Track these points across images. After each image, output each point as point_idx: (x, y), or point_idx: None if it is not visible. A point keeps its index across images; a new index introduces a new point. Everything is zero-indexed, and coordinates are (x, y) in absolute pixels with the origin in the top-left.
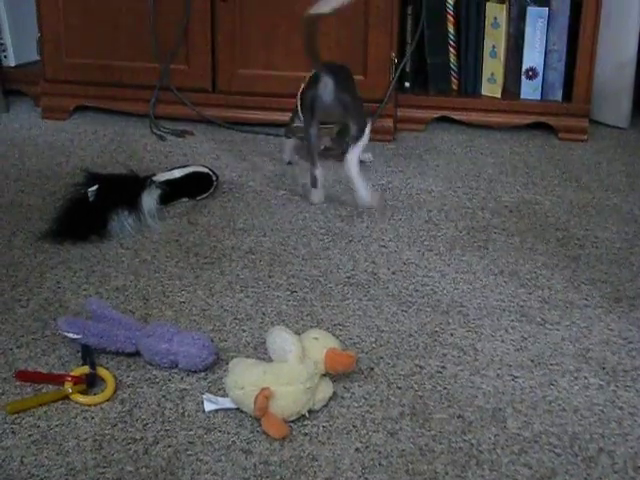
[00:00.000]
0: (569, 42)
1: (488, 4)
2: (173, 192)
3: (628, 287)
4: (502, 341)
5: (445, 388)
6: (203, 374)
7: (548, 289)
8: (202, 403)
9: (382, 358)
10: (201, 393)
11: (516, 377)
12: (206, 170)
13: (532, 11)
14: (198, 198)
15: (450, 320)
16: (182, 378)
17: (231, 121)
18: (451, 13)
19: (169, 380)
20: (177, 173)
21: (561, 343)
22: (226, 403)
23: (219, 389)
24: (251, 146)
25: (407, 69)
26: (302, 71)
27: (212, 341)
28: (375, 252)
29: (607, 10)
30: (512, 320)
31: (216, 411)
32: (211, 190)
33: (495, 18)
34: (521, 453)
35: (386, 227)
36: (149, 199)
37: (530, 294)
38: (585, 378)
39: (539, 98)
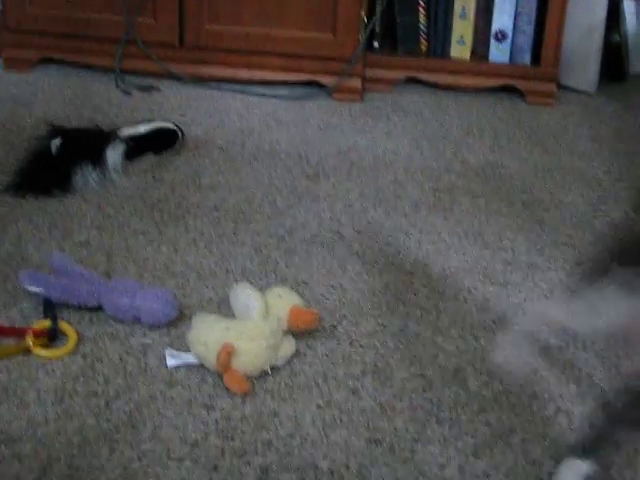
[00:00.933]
0: (539, 5)
1: None
2: (138, 147)
3: (590, 250)
4: (465, 302)
5: (407, 347)
6: (166, 329)
7: (512, 251)
8: (164, 358)
9: (345, 316)
10: (163, 348)
11: (478, 337)
12: (171, 126)
13: None
14: (163, 154)
15: (414, 280)
16: (144, 333)
17: (198, 77)
18: None
19: (131, 335)
20: (142, 128)
21: (523, 304)
22: (188, 358)
23: (182, 345)
24: (218, 103)
25: (376, 29)
26: (271, 28)
27: (175, 297)
28: (340, 211)
29: None
30: (475, 281)
31: (178, 366)
32: (176, 146)
33: None
34: (480, 412)
35: (352, 187)
36: (113, 154)
37: (494, 256)
38: (546, 339)
39: (508, 61)
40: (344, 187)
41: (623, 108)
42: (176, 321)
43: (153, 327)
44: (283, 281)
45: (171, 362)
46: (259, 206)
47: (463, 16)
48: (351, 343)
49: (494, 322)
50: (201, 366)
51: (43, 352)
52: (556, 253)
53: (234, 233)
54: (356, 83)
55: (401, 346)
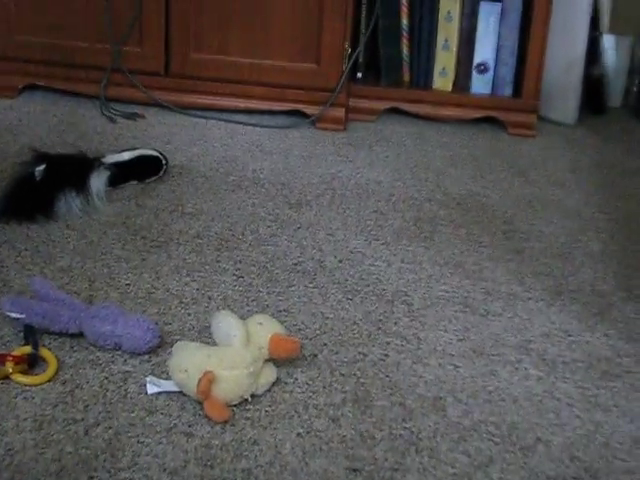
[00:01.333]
0: (520, 38)
1: None
2: (122, 174)
3: (570, 281)
4: (445, 331)
5: (387, 376)
6: (147, 357)
7: (492, 281)
8: (145, 385)
9: (326, 345)
10: (144, 376)
11: (458, 366)
12: (156, 153)
13: (485, 6)
14: (147, 181)
15: (394, 309)
16: (125, 360)
17: (183, 105)
18: (405, 5)
19: (112, 362)
20: (126, 155)
21: (503, 334)
22: (169, 386)
23: (162, 372)
24: (202, 131)
25: (360, 60)
26: (256, 57)
27: (157, 324)
28: (322, 240)
29: (557, 9)
30: (455, 310)
31: (159, 394)
32: (160, 173)
33: (449, 12)
34: (460, 441)
35: (334, 216)
36: (97, 180)
37: (474, 285)
38: (525, 369)
39: (489, 93)
40: (326, 216)
41: (602, 140)
42: (157, 348)
43: (134, 354)
44: (264, 309)
45: (152, 389)
46: (241, 234)
47: (446, 48)
48: (332, 372)
49: (473, 351)
50: (181, 393)
51: (22, 379)
52: (536, 283)
53: (216, 261)
54: (339, 113)
55: (381, 375)
